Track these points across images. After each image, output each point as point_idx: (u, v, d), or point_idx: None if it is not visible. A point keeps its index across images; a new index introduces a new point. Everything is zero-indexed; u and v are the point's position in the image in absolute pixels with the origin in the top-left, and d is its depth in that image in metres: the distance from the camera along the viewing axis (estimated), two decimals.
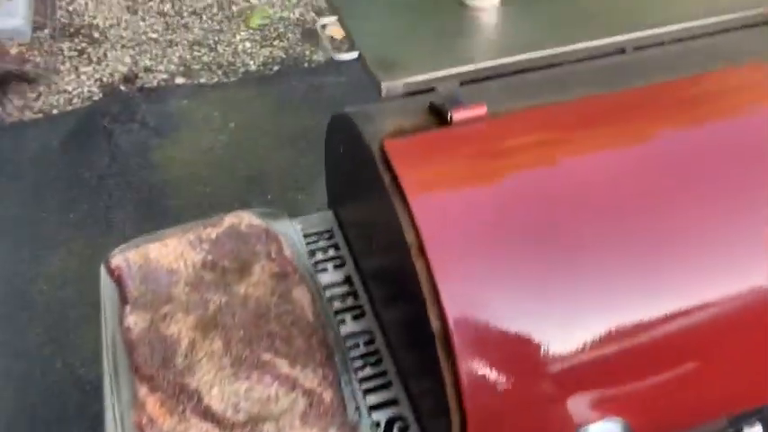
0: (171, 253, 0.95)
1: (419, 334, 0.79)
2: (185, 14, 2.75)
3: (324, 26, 1.09)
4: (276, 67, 2.53)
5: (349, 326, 0.97)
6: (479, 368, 0.74)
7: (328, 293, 1.01)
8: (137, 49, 2.59)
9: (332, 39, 1.10)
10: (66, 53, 2.56)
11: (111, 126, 2.30)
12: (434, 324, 0.74)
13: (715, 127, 0.91)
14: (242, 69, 2.52)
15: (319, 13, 2.71)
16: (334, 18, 1.08)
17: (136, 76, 2.47)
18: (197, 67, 2.52)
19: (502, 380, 0.75)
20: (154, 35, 2.65)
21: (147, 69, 2.51)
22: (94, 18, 2.71)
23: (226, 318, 0.89)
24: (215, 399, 0.80)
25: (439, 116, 0.85)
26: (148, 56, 2.56)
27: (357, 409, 0.84)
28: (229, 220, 1.01)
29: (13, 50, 2.46)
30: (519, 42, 1.00)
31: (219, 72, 2.51)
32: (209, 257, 0.97)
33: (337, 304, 1.00)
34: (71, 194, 2.10)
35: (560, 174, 0.81)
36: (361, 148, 0.85)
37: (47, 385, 1.67)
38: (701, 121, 0.91)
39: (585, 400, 0.81)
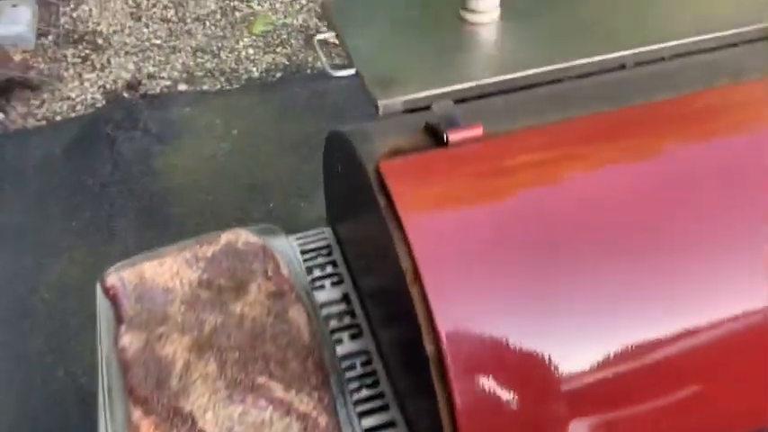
0: (167, 271, 0.95)
1: (414, 357, 0.78)
2: (188, 21, 2.75)
3: (321, 41, 1.09)
4: (279, 74, 2.53)
5: (346, 345, 0.97)
6: (474, 393, 0.73)
7: (325, 312, 1.00)
8: (140, 55, 2.59)
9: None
10: (69, 60, 2.56)
11: (114, 133, 2.31)
12: (429, 349, 0.73)
13: (718, 144, 0.89)
14: (245, 76, 2.52)
15: (322, 20, 2.70)
16: (332, 33, 1.07)
17: (139, 83, 2.47)
18: (200, 73, 2.52)
19: (497, 405, 0.74)
20: (157, 42, 2.65)
21: (151, 76, 2.51)
22: (98, 25, 2.72)
23: (221, 338, 0.88)
24: (209, 423, 0.79)
25: (435, 137, 0.84)
26: (152, 62, 2.56)
27: None
28: (226, 237, 1.00)
29: (17, 57, 2.47)
30: (518, 59, 0.99)
31: (222, 79, 2.50)
32: (206, 276, 0.96)
33: (334, 323, 0.99)
34: (74, 202, 2.10)
35: (557, 197, 0.80)
36: (357, 169, 0.84)
37: (48, 394, 1.67)
38: (704, 138, 0.90)
39: (583, 425, 0.80)
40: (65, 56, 2.58)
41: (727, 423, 0.91)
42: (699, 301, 0.82)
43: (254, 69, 2.54)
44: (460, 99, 0.94)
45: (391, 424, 0.89)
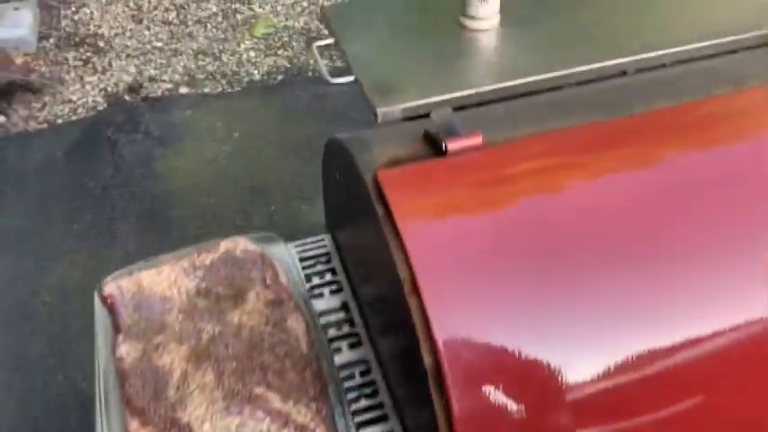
0: (164, 280, 0.95)
1: (412, 367, 0.77)
2: (190, 23, 2.75)
3: (320, 47, 1.08)
4: (280, 77, 2.53)
5: (345, 355, 0.96)
6: (472, 405, 0.73)
7: (324, 320, 0.99)
8: (141, 58, 2.59)
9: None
10: (71, 63, 2.56)
11: (116, 136, 2.30)
12: (427, 361, 0.72)
13: (719, 153, 0.89)
14: (246, 79, 2.51)
15: (323, 23, 2.69)
16: (330, 40, 1.07)
17: (140, 86, 2.47)
18: (201, 76, 2.52)
19: (495, 417, 0.74)
20: (159, 44, 2.65)
21: (152, 79, 2.51)
22: (100, 27, 2.72)
23: (219, 348, 0.88)
24: None
25: (434, 145, 0.84)
26: (153, 65, 2.56)
27: None
28: (225, 245, 1.00)
29: (19, 60, 2.47)
30: (518, 66, 0.98)
31: (224, 81, 2.50)
32: (204, 284, 0.96)
33: (333, 332, 0.99)
34: (75, 205, 2.10)
35: (556, 206, 0.79)
36: (355, 178, 0.84)
37: (48, 398, 1.67)
38: (705, 146, 0.89)
39: None
40: (66, 59, 2.58)
41: None
42: (700, 310, 0.81)
43: (256, 72, 2.54)
44: (460, 106, 0.94)
45: None
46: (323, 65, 1.04)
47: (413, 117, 0.94)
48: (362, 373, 0.94)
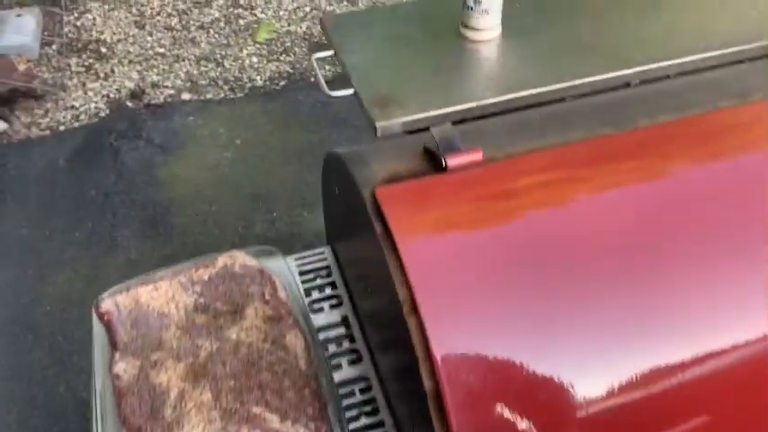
0: (162, 296, 0.94)
1: (412, 387, 0.76)
2: (192, 29, 2.74)
3: (320, 59, 1.07)
4: (282, 82, 2.52)
5: (345, 371, 0.95)
6: (472, 427, 0.72)
7: (324, 336, 0.98)
8: (144, 64, 2.59)
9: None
10: (73, 69, 2.56)
11: (118, 143, 2.30)
12: (427, 384, 0.71)
13: (725, 167, 0.87)
14: (248, 84, 2.50)
15: None
16: (330, 52, 1.05)
17: (143, 92, 2.46)
18: (204, 82, 2.51)
19: None
20: (161, 50, 2.65)
21: (154, 85, 2.50)
22: (102, 33, 2.71)
23: (216, 366, 0.86)
24: None
25: (433, 161, 0.82)
26: (155, 71, 2.56)
27: None
28: (223, 260, 0.99)
29: (22, 67, 2.47)
30: (520, 78, 0.97)
31: (226, 87, 2.49)
32: (202, 300, 0.95)
33: (333, 348, 0.97)
34: (77, 213, 2.10)
35: (557, 224, 0.78)
36: (354, 194, 0.83)
37: (50, 409, 1.66)
38: (711, 161, 0.88)
39: None
40: (68, 65, 2.57)
41: None
42: (707, 326, 0.80)
43: (258, 78, 2.53)
44: (460, 120, 0.92)
45: None
46: (322, 77, 1.02)
47: (413, 131, 0.93)
48: (362, 391, 0.93)
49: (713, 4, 1.10)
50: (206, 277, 0.97)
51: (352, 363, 0.96)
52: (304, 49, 2.65)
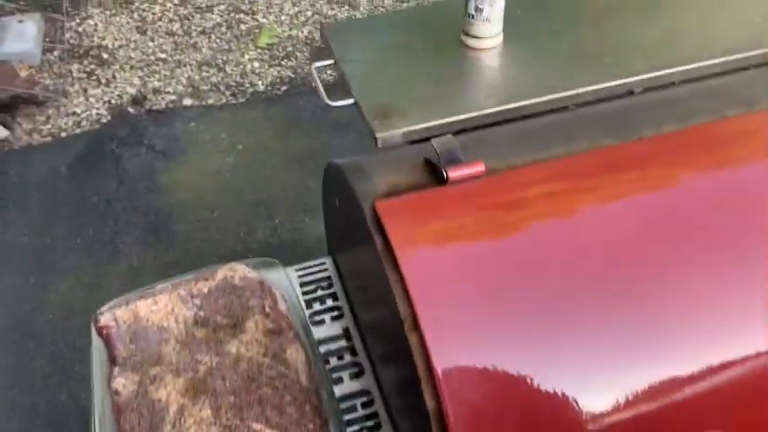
0: (161, 310, 0.93)
1: (415, 405, 0.75)
2: (194, 34, 2.74)
3: (319, 68, 1.06)
4: (284, 87, 2.51)
5: (346, 385, 0.94)
6: None
7: (325, 348, 0.97)
8: (145, 70, 2.58)
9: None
10: (75, 75, 2.56)
11: (119, 150, 2.29)
12: (429, 403, 0.70)
13: (732, 177, 0.86)
14: (250, 90, 2.50)
15: None
16: (330, 61, 1.04)
17: (144, 98, 2.46)
18: (205, 87, 2.51)
19: None
20: (162, 55, 2.64)
21: (156, 91, 2.50)
22: (103, 39, 2.71)
23: (216, 381, 0.85)
24: None
25: (434, 173, 0.81)
26: (157, 77, 2.55)
27: None
28: (222, 272, 0.98)
29: (23, 73, 2.47)
30: (522, 86, 0.95)
31: (227, 93, 2.49)
32: (201, 313, 0.94)
33: (334, 361, 0.96)
34: (78, 220, 2.09)
35: (560, 238, 0.77)
36: (354, 207, 0.81)
37: (52, 418, 1.65)
38: (718, 171, 0.86)
39: None
40: (70, 71, 2.57)
41: None
42: (713, 339, 0.79)
43: (260, 83, 2.52)
44: (462, 129, 0.91)
45: None
46: (322, 86, 1.01)
47: (414, 141, 0.91)
48: (364, 405, 0.92)
49: (716, 10, 1.08)
50: (206, 290, 0.95)
51: (354, 376, 0.95)
52: (306, 54, 2.64)
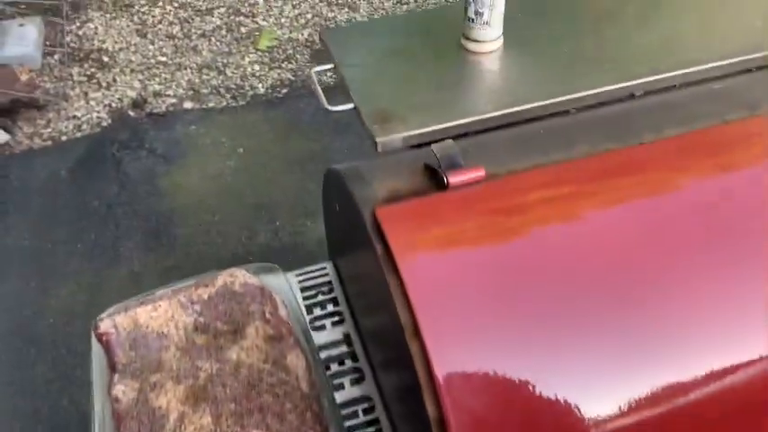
0: (161, 316, 0.92)
1: (416, 411, 0.74)
2: (194, 37, 2.73)
3: (318, 72, 1.05)
4: (284, 90, 2.51)
5: (347, 391, 0.93)
6: None
7: (326, 354, 0.97)
8: (146, 73, 2.58)
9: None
10: (75, 78, 2.56)
11: (120, 153, 2.29)
12: (431, 410, 0.70)
13: (735, 182, 0.85)
14: (250, 92, 2.49)
15: None
16: (330, 65, 1.04)
17: (145, 101, 2.45)
18: (205, 90, 2.50)
19: None
20: (163, 59, 2.64)
21: (156, 94, 2.50)
22: (104, 42, 2.71)
23: (216, 389, 0.85)
24: None
25: (435, 179, 0.81)
26: (157, 80, 2.55)
27: None
28: (223, 278, 0.97)
29: (24, 77, 2.46)
30: (522, 90, 0.95)
31: (228, 96, 2.48)
32: (201, 319, 0.93)
33: (335, 366, 0.96)
34: (79, 224, 2.09)
35: (562, 244, 0.76)
36: (354, 213, 0.81)
37: (54, 423, 1.65)
38: (720, 175, 0.86)
39: None
40: (71, 75, 2.57)
41: None
42: (718, 346, 0.78)
43: (260, 86, 2.52)
44: (462, 133, 0.91)
45: None
46: (321, 91, 1.01)
47: (414, 145, 0.91)
48: (366, 411, 0.91)
49: (716, 12, 1.08)
50: (206, 296, 0.95)
51: (355, 382, 0.94)
52: (306, 57, 2.64)
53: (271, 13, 2.84)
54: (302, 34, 2.73)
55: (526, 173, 0.81)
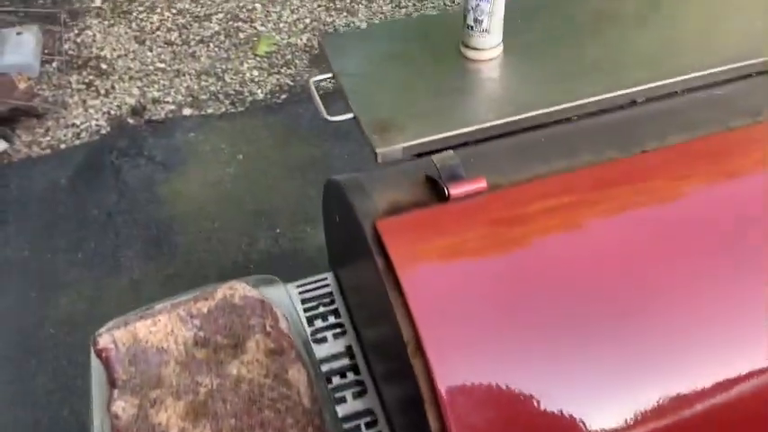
0: (161, 330, 0.91)
1: (418, 425, 0.73)
2: (192, 43, 2.73)
3: (317, 82, 1.04)
4: (284, 96, 2.50)
5: (349, 405, 0.92)
6: None
7: (327, 367, 0.96)
8: (144, 80, 2.57)
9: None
10: (74, 86, 2.55)
11: (119, 161, 2.28)
12: (433, 424, 0.69)
13: (737, 191, 0.84)
14: (249, 98, 2.49)
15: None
16: (329, 75, 1.03)
17: (144, 108, 2.45)
18: (204, 97, 2.50)
19: None
20: (161, 65, 2.63)
21: (155, 101, 2.49)
22: (102, 50, 2.70)
23: (217, 404, 0.84)
24: None
25: (435, 190, 0.80)
26: (156, 87, 2.54)
27: None
28: (222, 291, 0.96)
29: (22, 85, 2.46)
30: (523, 98, 0.94)
31: (227, 102, 2.48)
32: (201, 334, 0.92)
33: (337, 380, 0.95)
34: (79, 233, 2.08)
35: (567, 253, 0.75)
36: (355, 225, 0.80)
37: None
38: (724, 183, 0.85)
39: None
40: (69, 82, 2.56)
41: None
42: (726, 354, 0.77)
43: (259, 91, 2.51)
44: (463, 143, 0.90)
45: None
46: (320, 101, 1.00)
47: (414, 155, 0.90)
48: (368, 425, 0.90)
49: (717, 18, 1.07)
50: (205, 310, 0.94)
51: (357, 395, 0.93)
52: (305, 61, 2.63)
53: (269, 18, 2.84)
54: (301, 39, 2.73)
55: (528, 183, 0.80)
